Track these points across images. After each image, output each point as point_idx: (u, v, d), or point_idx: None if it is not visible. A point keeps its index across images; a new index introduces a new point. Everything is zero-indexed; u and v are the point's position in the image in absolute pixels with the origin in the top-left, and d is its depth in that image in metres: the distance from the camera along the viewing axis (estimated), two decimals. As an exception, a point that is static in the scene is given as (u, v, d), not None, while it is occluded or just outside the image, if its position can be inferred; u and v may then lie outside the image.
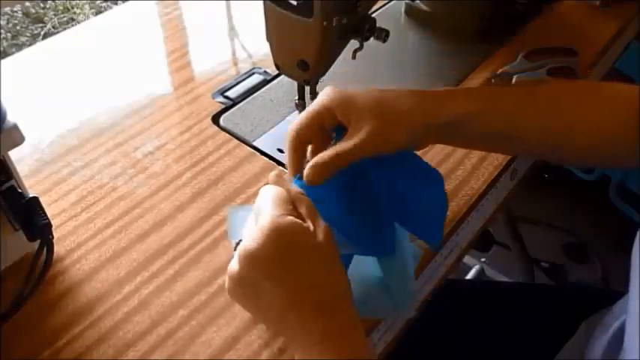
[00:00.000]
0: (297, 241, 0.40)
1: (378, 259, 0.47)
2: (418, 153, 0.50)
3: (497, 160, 0.62)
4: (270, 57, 0.60)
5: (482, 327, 0.70)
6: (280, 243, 0.39)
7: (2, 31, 2.17)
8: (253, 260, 0.39)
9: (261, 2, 0.55)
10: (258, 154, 0.64)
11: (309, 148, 0.49)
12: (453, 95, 0.49)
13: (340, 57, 0.59)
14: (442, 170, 0.61)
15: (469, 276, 1.37)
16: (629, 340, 0.44)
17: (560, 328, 0.64)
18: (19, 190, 0.48)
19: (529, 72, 0.72)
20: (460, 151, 0.63)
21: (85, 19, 2.24)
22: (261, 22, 0.57)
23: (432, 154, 0.63)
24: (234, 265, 0.41)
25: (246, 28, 0.84)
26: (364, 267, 0.48)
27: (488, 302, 0.74)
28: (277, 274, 0.39)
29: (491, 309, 0.73)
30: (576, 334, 0.63)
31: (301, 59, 0.56)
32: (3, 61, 0.76)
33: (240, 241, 0.42)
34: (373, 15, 0.67)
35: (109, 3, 2.29)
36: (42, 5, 2.28)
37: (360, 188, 0.46)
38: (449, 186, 0.59)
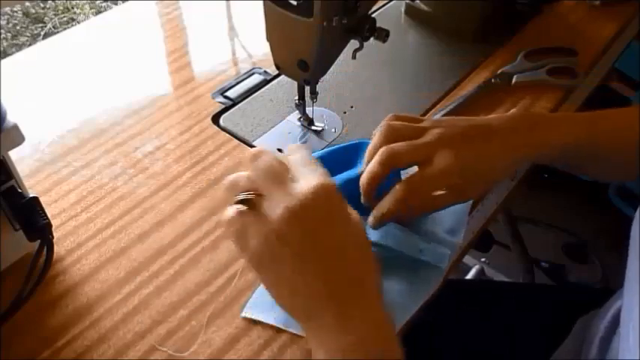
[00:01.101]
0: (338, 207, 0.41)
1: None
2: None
3: (497, 160, 0.62)
4: (270, 57, 0.60)
5: (482, 326, 0.71)
6: (329, 205, 0.40)
7: (2, 31, 2.17)
8: (300, 218, 0.38)
9: (261, 2, 0.55)
10: (258, 154, 0.63)
11: None
12: (554, 125, 0.51)
13: (340, 57, 0.59)
14: (442, 170, 0.61)
15: (469, 276, 1.37)
16: (625, 314, 0.44)
17: (560, 327, 0.64)
18: (19, 190, 0.48)
19: (529, 72, 0.72)
20: (460, 151, 0.63)
21: (85, 19, 2.24)
22: (261, 22, 0.57)
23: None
24: (275, 221, 0.39)
25: (246, 28, 0.84)
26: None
27: (487, 301, 0.74)
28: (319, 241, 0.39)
29: (490, 308, 0.73)
30: (572, 332, 0.63)
31: (301, 59, 0.56)
32: (3, 61, 0.76)
33: None
34: (373, 15, 0.67)
35: (109, 3, 2.30)
36: (42, 5, 2.28)
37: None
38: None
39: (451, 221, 0.53)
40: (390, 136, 0.48)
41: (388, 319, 0.40)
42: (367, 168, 0.47)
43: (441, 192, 0.48)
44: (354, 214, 0.42)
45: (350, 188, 0.49)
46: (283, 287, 0.41)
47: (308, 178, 0.40)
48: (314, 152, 0.54)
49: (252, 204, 0.41)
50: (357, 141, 0.54)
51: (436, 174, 0.46)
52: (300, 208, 0.38)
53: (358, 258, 0.41)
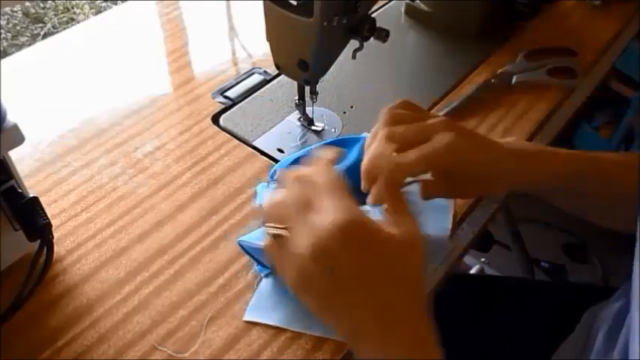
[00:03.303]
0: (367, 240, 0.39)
1: None
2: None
3: (497, 160, 0.62)
4: (270, 57, 0.60)
5: (482, 324, 0.71)
6: (351, 243, 0.38)
7: (2, 31, 2.17)
8: (324, 256, 0.38)
9: (261, 2, 0.55)
10: (258, 154, 0.64)
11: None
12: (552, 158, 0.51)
13: (340, 57, 0.59)
14: (442, 170, 0.61)
15: (469, 276, 1.37)
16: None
17: (560, 325, 0.64)
18: (19, 190, 0.48)
19: (529, 72, 0.72)
20: (460, 151, 0.63)
21: (85, 19, 2.24)
22: (261, 22, 0.57)
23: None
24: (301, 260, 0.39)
25: (246, 28, 0.84)
26: None
27: (489, 298, 0.75)
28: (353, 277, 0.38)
29: (491, 304, 0.73)
30: (579, 325, 0.63)
31: (301, 59, 0.56)
32: (3, 61, 0.76)
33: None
34: (373, 15, 0.67)
35: (109, 3, 2.29)
36: (42, 5, 2.28)
37: None
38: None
39: (431, 246, 0.53)
40: (392, 121, 0.46)
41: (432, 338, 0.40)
42: (368, 151, 0.45)
43: (429, 178, 0.47)
44: (386, 236, 0.40)
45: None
46: (325, 315, 0.41)
47: (328, 212, 0.39)
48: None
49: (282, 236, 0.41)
50: (354, 135, 0.55)
51: (430, 151, 0.44)
52: (314, 250, 0.38)
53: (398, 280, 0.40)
